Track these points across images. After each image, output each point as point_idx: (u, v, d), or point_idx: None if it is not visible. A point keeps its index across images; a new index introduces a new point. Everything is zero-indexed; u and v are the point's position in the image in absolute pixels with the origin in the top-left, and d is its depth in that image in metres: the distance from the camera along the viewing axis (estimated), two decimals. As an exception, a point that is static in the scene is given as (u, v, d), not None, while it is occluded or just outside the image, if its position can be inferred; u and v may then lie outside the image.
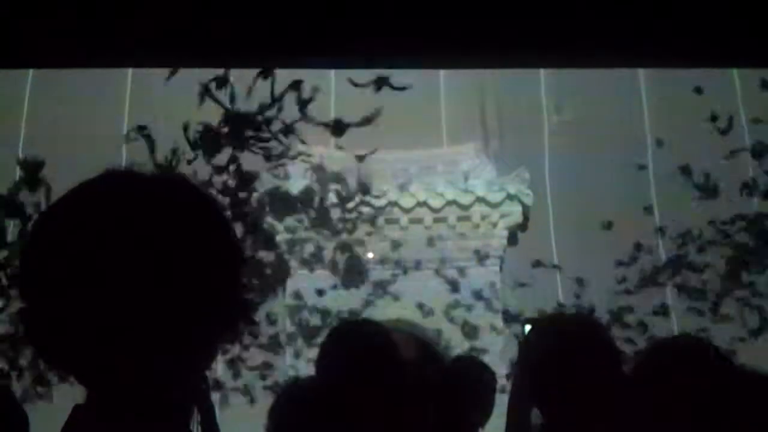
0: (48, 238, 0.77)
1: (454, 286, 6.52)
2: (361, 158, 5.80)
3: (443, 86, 6.77)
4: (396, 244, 6.57)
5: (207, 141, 4.82)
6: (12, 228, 5.12)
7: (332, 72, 6.24)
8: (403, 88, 4.56)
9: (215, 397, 5.44)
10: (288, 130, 4.95)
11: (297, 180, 6.38)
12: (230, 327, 0.81)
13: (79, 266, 0.73)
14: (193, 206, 0.79)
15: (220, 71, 4.78)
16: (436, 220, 6.53)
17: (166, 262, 0.74)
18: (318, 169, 6.19)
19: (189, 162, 4.72)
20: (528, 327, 1.94)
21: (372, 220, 6.45)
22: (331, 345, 1.86)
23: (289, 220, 6.45)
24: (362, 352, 1.79)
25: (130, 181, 0.79)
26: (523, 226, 6.70)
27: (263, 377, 5.98)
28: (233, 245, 0.81)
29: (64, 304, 0.74)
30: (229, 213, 4.87)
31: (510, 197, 6.52)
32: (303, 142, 4.92)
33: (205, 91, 4.60)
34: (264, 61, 3.99)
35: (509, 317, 6.40)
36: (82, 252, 0.73)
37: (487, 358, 5.95)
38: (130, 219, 0.75)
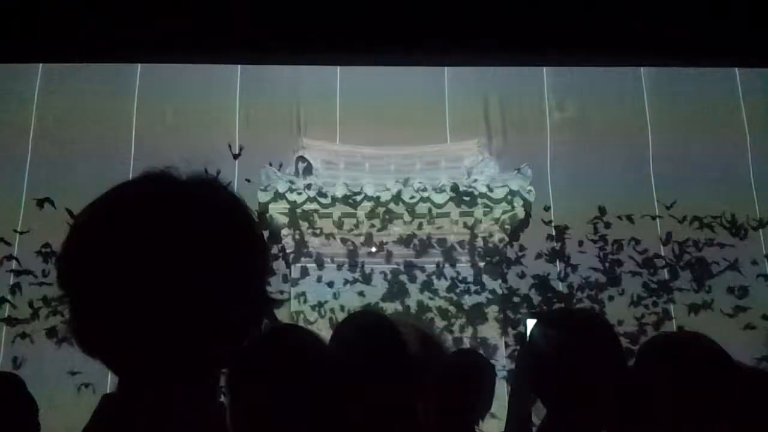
0: (90, 234, 0.81)
1: (456, 280, 6.56)
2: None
3: (447, 83, 6.80)
4: (399, 239, 6.61)
5: None
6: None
7: (338, 68, 6.27)
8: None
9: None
10: None
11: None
12: (256, 324, 0.86)
13: (117, 261, 0.78)
14: (224, 207, 0.84)
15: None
16: (439, 216, 6.56)
17: (196, 261, 0.78)
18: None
19: None
20: (530, 321, 1.97)
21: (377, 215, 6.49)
22: (337, 335, 1.90)
23: (294, 214, 6.49)
24: (367, 343, 1.83)
25: (166, 183, 0.83)
26: (524, 222, 6.73)
27: None
28: (260, 246, 0.86)
29: (101, 295, 0.78)
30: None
31: (512, 193, 6.54)
32: None
33: None
34: (268, 58, 4.03)
35: (511, 311, 6.44)
36: (120, 248, 0.78)
37: (488, 352, 6.01)
38: (166, 218, 0.80)
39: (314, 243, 6.54)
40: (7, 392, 2.20)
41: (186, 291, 0.77)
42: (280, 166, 6.59)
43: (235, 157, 6.33)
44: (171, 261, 0.77)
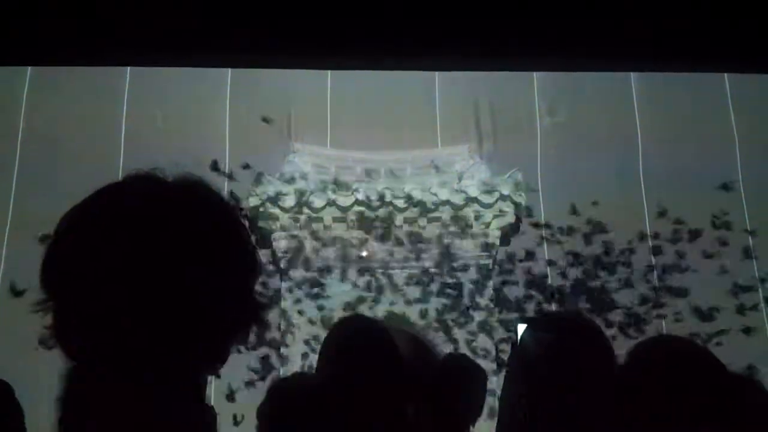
0: (73, 236, 0.79)
1: (447, 285, 6.56)
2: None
3: (438, 88, 6.81)
4: (390, 244, 6.61)
5: None
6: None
7: (328, 73, 6.27)
8: None
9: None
10: None
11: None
12: (243, 328, 0.84)
13: (101, 264, 0.76)
14: (212, 209, 0.83)
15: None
16: (430, 220, 6.56)
17: (184, 262, 0.77)
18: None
19: None
20: (521, 326, 1.97)
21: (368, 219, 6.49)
22: (329, 340, 1.89)
23: (285, 218, 6.48)
24: (359, 347, 1.82)
25: (152, 184, 0.82)
26: (515, 227, 6.74)
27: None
28: (248, 247, 0.84)
29: (84, 298, 0.77)
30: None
31: (503, 198, 6.56)
32: None
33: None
34: (263, 61, 4.02)
35: (501, 316, 6.45)
36: (104, 250, 0.76)
37: (479, 356, 6.01)
38: (152, 221, 0.78)
39: (305, 247, 6.53)
40: None
41: (172, 293, 0.76)
42: (272, 169, 6.57)
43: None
44: (156, 262, 0.75)
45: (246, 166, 6.31)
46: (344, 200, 6.47)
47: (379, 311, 6.29)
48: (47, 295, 0.80)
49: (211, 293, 0.79)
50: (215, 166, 5.93)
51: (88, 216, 0.81)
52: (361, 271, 6.56)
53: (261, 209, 6.48)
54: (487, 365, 5.78)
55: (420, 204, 6.49)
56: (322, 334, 2.00)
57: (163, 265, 0.77)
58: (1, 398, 2.15)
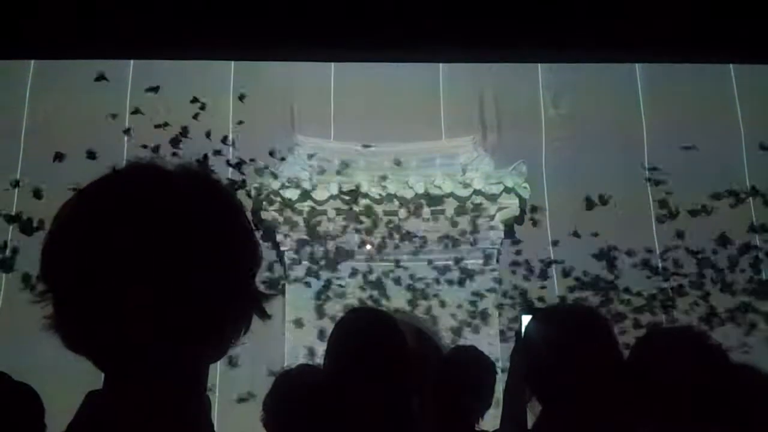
0: (73, 227, 0.78)
1: (452, 277, 6.56)
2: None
3: (442, 79, 6.79)
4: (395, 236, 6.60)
5: None
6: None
7: (332, 65, 6.25)
8: None
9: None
10: None
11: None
12: (244, 318, 0.83)
13: (100, 254, 0.75)
14: (213, 199, 0.82)
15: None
16: (434, 212, 6.55)
17: (184, 253, 0.76)
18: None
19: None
20: (525, 317, 1.97)
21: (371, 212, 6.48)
22: (337, 333, 1.89)
23: (288, 211, 6.48)
24: (366, 340, 1.82)
25: (153, 174, 0.81)
26: (519, 219, 6.73)
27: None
28: (249, 237, 0.83)
29: (83, 288, 0.76)
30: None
31: (507, 190, 6.54)
32: None
33: None
34: (266, 54, 4.02)
35: (506, 308, 6.45)
36: (105, 241, 0.76)
37: (485, 348, 6.00)
38: (152, 210, 0.77)
39: (308, 240, 6.52)
40: (17, 402, 2.16)
41: (170, 285, 0.75)
42: (275, 162, 6.56)
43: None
44: (156, 252, 0.75)
45: (252, 160, 6.32)
46: (348, 193, 6.46)
47: (384, 304, 6.29)
48: (46, 285, 0.79)
49: (212, 283, 0.79)
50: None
51: (88, 205, 0.80)
52: (365, 264, 6.56)
53: (264, 202, 6.48)
54: (493, 356, 5.78)
55: (424, 196, 6.47)
56: (326, 327, 2.00)
57: (163, 255, 0.77)
58: (24, 400, 2.16)
